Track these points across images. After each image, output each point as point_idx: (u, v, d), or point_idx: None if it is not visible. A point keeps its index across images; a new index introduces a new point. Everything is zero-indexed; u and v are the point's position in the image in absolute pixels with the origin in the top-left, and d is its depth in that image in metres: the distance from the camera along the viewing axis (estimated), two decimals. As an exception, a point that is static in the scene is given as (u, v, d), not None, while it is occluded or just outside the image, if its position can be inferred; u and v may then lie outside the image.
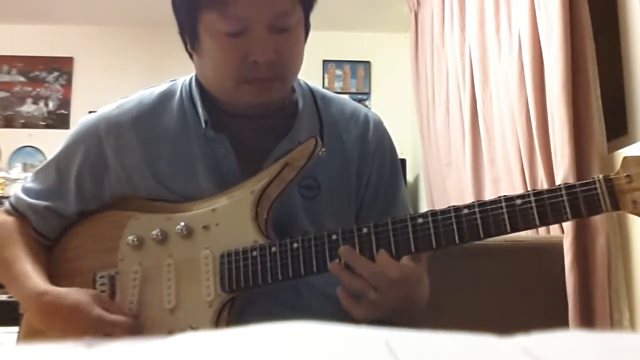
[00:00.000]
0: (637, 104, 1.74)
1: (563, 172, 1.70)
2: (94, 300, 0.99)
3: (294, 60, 1.06)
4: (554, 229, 1.81)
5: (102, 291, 1.05)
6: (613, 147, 1.74)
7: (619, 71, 1.80)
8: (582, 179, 1.68)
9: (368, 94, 4.56)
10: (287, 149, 1.06)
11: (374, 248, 0.93)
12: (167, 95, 1.14)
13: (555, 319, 1.66)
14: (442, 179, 3.00)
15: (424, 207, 3.75)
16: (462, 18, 2.66)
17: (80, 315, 0.97)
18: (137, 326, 1.01)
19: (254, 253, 0.98)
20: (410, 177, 4.20)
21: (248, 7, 0.98)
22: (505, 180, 2.21)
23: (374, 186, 1.15)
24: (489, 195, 2.37)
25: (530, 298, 1.56)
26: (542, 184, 1.86)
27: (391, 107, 4.29)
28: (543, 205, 0.86)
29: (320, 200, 1.09)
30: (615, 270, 1.65)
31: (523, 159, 2.00)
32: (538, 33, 1.87)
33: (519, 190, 2.04)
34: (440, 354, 0.29)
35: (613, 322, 1.62)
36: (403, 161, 3.84)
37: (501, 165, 2.25)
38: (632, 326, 1.63)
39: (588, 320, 1.65)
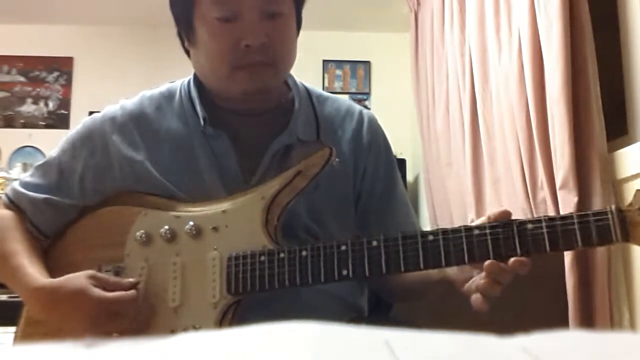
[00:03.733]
0: (637, 104, 1.74)
1: (563, 172, 1.70)
2: (92, 281, 0.98)
3: (285, 47, 1.09)
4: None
5: None
6: (613, 147, 1.74)
7: (619, 71, 1.80)
8: (582, 179, 1.69)
9: (368, 94, 4.56)
10: (285, 143, 1.09)
11: (383, 261, 0.93)
12: (167, 96, 1.17)
13: (555, 319, 1.66)
14: (442, 179, 3.00)
15: (424, 207, 3.74)
16: (462, 18, 2.66)
17: (83, 301, 0.96)
18: (140, 298, 1.00)
19: (262, 257, 0.98)
20: (410, 177, 4.20)
21: None
22: (505, 180, 2.21)
23: (370, 181, 1.17)
24: (489, 195, 2.37)
25: (530, 298, 1.56)
26: (542, 184, 1.86)
27: (391, 107, 4.29)
28: (554, 232, 0.86)
29: (319, 195, 1.10)
30: (615, 270, 1.65)
31: (523, 159, 2.00)
32: (538, 33, 1.87)
33: (519, 190, 2.04)
34: (440, 354, 0.29)
35: (613, 322, 1.62)
36: (403, 161, 3.84)
37: (501, 165, 2.25)
38: (632, 326, 1.63)
39: (588, 320, 1.65)
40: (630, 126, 1.77)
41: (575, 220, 0.85)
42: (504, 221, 0.89)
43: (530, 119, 1.92)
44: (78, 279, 0.99)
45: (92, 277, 0.99)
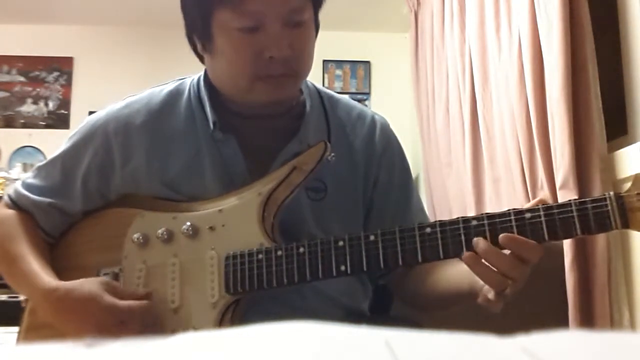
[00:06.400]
0: (637, 104, 1.74)
1: (563, 172, 1.70)
2: (104, 288, 0.98)
3: (307, 57, 1.06)
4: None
5: None
6: (613, 147, 1.74)
7: (619, 71, 1.80)
8: (582, 179, 1.69)
9: (368, 94, 4.56)
10: (295, 151, 1.06)
11: (381, 256, 0.91)
12: (175, 95, 1.14)
13: (555, 319, 1.66)
14: (442, 179, 3.00)
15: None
16: (462, 18, 2.66)
17: (93, 306, 0.96)
18: (151, 309, 0.99)
19: (260, 256, 0.97)
20: (410, 177, 4.20)
21: (262, 2, 0.99)
22: (505, 180, 2.21)
23: (383, 190, 1.14)
24: (489, 195, 2.37)
25: (530, 298, 1.56)
26: (542, 183, 1.86)
27: (391, 107, 4.28)
28: (552, 220, 0.84)
29: (327, 203, 1.08)
30: (615, 270, 1.65)
31: (523, 159, 2.00)
32: (538, 33, 1.87)
33: (519, 190, 2.04)
34: (440, 354, 0.29)
35: (613, 322, 1.62)
36: (403, 161, 3.83)
37: (501, 165, 2.25)
38: (632, 326, 1.63)
39: (588, 320, 1.65)
40: (630, 126, 1.77)
41: (574, 208, 0.83)
42: (501, 211, 0.87)
43: (530, 119, 1.92)
44: (92, 283, 0.99)
45: (106, 284, 0.99)
